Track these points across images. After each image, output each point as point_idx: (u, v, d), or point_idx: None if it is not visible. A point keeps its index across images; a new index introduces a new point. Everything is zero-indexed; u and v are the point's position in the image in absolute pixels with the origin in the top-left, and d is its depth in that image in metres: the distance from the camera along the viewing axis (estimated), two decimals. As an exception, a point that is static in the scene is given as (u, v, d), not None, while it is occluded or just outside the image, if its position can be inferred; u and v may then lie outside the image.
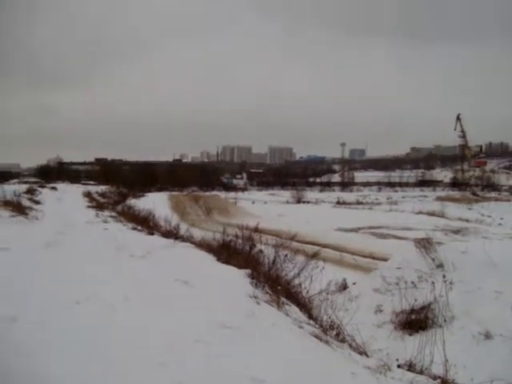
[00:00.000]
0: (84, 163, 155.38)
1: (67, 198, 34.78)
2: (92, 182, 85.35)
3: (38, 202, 26.94)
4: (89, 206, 29.76)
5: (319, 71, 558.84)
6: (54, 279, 7.59)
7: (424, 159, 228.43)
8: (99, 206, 30.81)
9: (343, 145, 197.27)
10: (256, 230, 13.56)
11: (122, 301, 6.20)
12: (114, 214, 25.60)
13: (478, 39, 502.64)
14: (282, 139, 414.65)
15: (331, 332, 6.91)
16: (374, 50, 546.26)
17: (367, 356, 6.19)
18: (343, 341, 6.60)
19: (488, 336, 8.41)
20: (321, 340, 6.03)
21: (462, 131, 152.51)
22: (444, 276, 10.57)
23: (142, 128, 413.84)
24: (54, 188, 48.45)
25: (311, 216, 48.24)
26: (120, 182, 69.77)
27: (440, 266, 11.64)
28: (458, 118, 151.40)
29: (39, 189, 40.94)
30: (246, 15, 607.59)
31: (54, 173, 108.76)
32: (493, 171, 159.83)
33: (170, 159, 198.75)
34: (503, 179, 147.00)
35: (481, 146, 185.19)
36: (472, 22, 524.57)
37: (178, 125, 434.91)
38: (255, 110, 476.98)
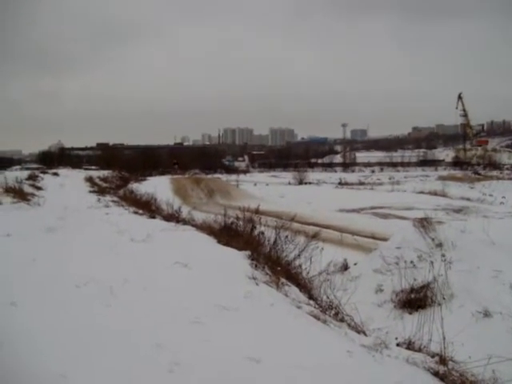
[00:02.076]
0: (85, 148, 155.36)
1: (69, 184, 34.73)
2: (94, 167, 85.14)
3: (39, 188, 26.90)
4: (90, 191, 29.75)
5: (321, 53, 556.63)
6: (54, 264, 7.66)
7: (426, 139, 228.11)
8: (101, 191, 30.79)
9: (344, 125, 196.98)
10: (257, 211, 13.59)
11: (121, 284, 6.26)
12: (115, 198, 25.59)
13: (480, 14, 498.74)
14: (283, 121, 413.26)
15: (330, 312, 6.98)
16: (375, 28, 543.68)
17: (365, 335, 6.25)
18: (342, 320, 6.66)
19: (487, 314, 8.49)
20: (319, 319, 6.09)
21: (464, 110, 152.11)
22: (443, 255, 10.66)
23: (142, 112, 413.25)
24: (55, 174, 48.26)
25: (313, 197, 48.17)
26: (122, 167, 69.58)
27: (439, 245, 11.69)
28: (460, 97, 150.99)
29: (41, 175, 40.78)
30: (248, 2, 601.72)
31: (56, 158, 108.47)
32: (494, 150, 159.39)
33: (172, 143, 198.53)
34: (505, 158, 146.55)
35: (482, 125, 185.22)
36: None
37: (180, 108, 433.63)
38: (257, 92, 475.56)
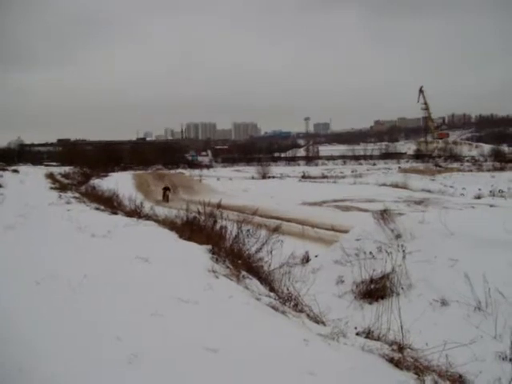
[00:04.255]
0: (46, 144, 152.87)
1: (30, 181, 34.29)
2: (55, 164, 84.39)
3: (-1, 186, 26.58)
4: (52, 188, 29.37)
5: (284, 47, 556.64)
6: (14, 260, 7.62)
7: (388, 132, 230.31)
8: (62, 188, 30.42)
9: (307, 119, 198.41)
10: (219, 206, 13.65)
11: (81, 279, 6.25)
12: (77, 194, 25.36)
13: (439, 11, 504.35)
14: (246, 115, 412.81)
15: (289, 303, 7.06)
16: (341, 22, 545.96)
17: (324, 325, 6.35)
18: (301, 311, 6.75)
19: (444, 303, 8.67)
20: (277, 310, 6.17)
21: (425, 103, 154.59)
22: (402, 246, 10.85)
23: (104, 108, 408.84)
24: (15, 171, 47.57)
25: (276, 191, 48.34)
26: (83, 163, 68.86)
27: (398, 236, 11.88)
28: (421, 91, 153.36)
29: (0, 172, 40.27)
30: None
31: (16, 155, 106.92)
32: (455, 142, 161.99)
33: (134, 138, 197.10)
34: (465, 150, 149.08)
35: (443, 118, 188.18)
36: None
37: (142, 103, 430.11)
38: (219, 86, 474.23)
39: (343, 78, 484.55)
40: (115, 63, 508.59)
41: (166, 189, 45.42)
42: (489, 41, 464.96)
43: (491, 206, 24.27)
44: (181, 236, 10.81)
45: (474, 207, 24.93)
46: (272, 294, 7.57)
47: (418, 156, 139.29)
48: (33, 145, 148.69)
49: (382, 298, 9.41)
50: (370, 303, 9.55)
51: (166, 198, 42.72)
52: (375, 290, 9.95)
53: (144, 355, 4.15)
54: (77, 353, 4.19)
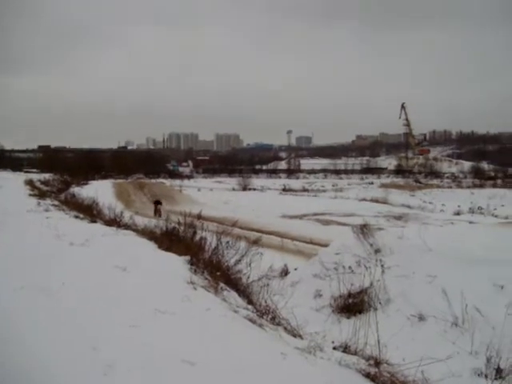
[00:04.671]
0: (26, 151, 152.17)
1: (8, 187, 34.01)
2: (35, 170, 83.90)
3: (-24, 191, 26.36)
4: (31, 195, 29.13)
5: (272, 60, 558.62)
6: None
7: (369, 147, 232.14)
8: (41, 195, 30.20)
9: (289, 132, 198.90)
10: (199, 217, 13.61)
11: (58, 287, 6.20)
12: (56, 202, 25.16)
13: (422, 27, 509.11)
14: (229, 127, 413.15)
15: (267, 316, 7.04)
16: (326, 38, 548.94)
17: (302, 338, 6.34)
18: (278, 324, 6.73)
19: (421, 318, 8.72)
20: (255, 323, 6.15)
21: (407, 119, 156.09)
22: (380, 260, 10.90)
23: (86, 115, 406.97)
24: (-7, 176, 47.39)
25: (257, 203, 48.50)
26: (64, 170, 68.53)
27: (378, 250, 11.93)
28: (403, 107, 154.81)
29: (-22, 177, 40.01)
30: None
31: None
32: (436, 159, 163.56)
33: (115, 146, 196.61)
34: (445, 167, 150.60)
35: (425, 135, 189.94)
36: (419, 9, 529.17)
37: (123, 112, 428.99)
38: (203, 98, 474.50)
39: (327, 93, 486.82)
40: (97, 71, 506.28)
41: (157, 202, 42.84)
42: (465, 60, 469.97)
43: (470, 222, 24.49)
44: (160, 246, 10.75)
45: (453, 223, 25.14)
46: (250, 306, 7.55)
47: (399, 171, 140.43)
48: (13, 151, 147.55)
49: (360, 312, 9.42)
50: (348, 317, 9.55)
51: (158, 213, 39.27)
52: (353, 305, 9.96)
53: (120, 366, 4.12)
54: (52, 362, 4.14)
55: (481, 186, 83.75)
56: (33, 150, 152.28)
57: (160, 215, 35.91)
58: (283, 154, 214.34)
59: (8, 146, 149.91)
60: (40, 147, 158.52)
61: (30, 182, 43.07)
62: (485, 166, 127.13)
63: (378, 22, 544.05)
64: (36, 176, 57.18)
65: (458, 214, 44.64)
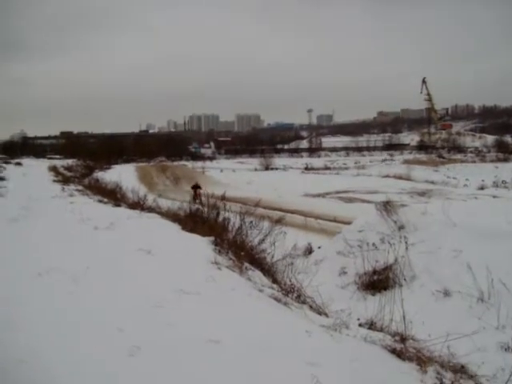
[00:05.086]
0: (49, 137, 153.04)
1: (33, 173, 34.33)
2: (58, 156, 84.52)
3: (2, 179, 26.58)
4: (55, 181, 29.37)
5: (289, 38, 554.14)
6: (17, 253, 7.62)
7: (391, 123, 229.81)
8: (65, 180, 30.44)
9: (310, 111, 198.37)
10: (223, 198, 13.63)
11: (83, 271, 6.25)
12: (80, 187, 25.35)
13: (443, 2, 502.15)
14: (249, 107, 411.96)
15: (292, 295, 7.06)
16: (343, 15, 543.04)
17: (327, 316, 6.36)
18: (303, 302, 6.76)
19: (447, 293, 8.67)
20: (280, 302, 6.18)
21: (428, 94, 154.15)
22: (404, 237, 10.84)
23: (106, 100, 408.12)
24: (18, 163, 47.78)
25: (279, 182, 48.46)
26: (86, 155, 69.00)
27: (401, 227, 11.87)
28: (424, 82, 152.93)
29: (3, 165, 40.33)
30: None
31: (19, 148, 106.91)
32: (458, 133, 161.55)
33: (137, 130, 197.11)
34: (469, 141, 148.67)
35: (447, 109, 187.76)
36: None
37: (144, 95, 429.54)
38: (222, 78, 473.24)
39: (347, 70, 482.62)
40: (115, 55, 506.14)
41: (196, 187, 36.59)
42: (489, 31, 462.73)
43: (494, 196, 24.26)
44: (183, 228, 10.80)
45: (477, 198, 24.93)
46: (275, 285, 7.59)
47: (422, 147, 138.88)
48: (36, 137, 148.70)
49: (385, 289, 9.43)
50: (373, 294, 9.55)
51: (198, 198, 29.20)
52: (378, 281, 9.96)
53: (146, 347, 4.14)
54: (78, 343, 4.19)
55: (505, 160, 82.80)
56: (55, 137, 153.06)
57: (201, 201, 29.71)
58: (304, 133, 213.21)
59: (30, 133, 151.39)
60: (62, 133, 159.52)
61: (53, 168, 43.42)
62: (508, 139, 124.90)
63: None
64: (59, 162, 57.59)
65: (481, 188, 44.24)
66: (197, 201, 30.26)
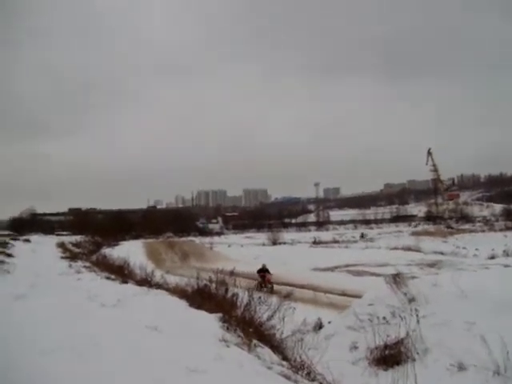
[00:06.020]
0: (57, 214, 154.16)
1: (41, 250, 34.43)
2: (66, 233, 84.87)
3: (10, 255, 26.61)
4: (62, 257, 29.43)
5: (293, 113, 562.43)
6: (21, 331, 7.53)
7: (398, 195, 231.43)
8: (73, 257, 30.50)
9: (317, 185, 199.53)
10: (232, 273, 13.56)
11: (90, 348, 6.17)
12: (87, 263, 25.34)
13: (448, 72, 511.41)
14: (256, 182, 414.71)
15: (302, 371, 6.92)
16: (349, 88, 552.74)
17: (339, 393, 6.21)
18: (314, 379, 6.61)
19: (461, 367, 8.45)
20: (289, 379, 6.04)
21: (434, 165, 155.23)
22: (416, 310, 10.68)
23: (114, 177, 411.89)
24: (27, 240, 47.89)
25: (287, 257, 48.35)
26: (94, 232, 69.32)
27: (412, 300, 11.72)
28: (429, 153, 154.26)
29: (11, 242, 40.44)
30: (223, 65, 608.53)
31: (27, 224, 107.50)
32: (466, 203, 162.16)
33: (145, 206, 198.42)
34: (476, 211, 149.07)
35: (453, 179, 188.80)
36: (442, 57, 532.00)
37: (152, 172, 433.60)
38: (229, 154, 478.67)
39: (353, 143, 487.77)
40: (121, 132, 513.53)
41: (263, 271, 31.37)
42: (487, 102, 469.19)
43: (506, 266, 24.02)
44: (191, 304, 10.70)
45: (488, 268, 24.73)
46: (284, 362, 7.45)
47: (429, 218, 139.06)
48: (44, 214, 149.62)
49: (398, 364, 9.21)
50: (385, 370, 9.33)
51: (269, 284, 28.99)
52: (390, 356, 9.74)
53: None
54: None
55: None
56: (63, 213, 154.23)
57: (272, 288, 27.19)
58: (311, 207, 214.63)
59: (39, 210, 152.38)
60: (70, 210, 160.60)
61: (61, 245, 43.56)
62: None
63: (401, 70, 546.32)
64: (67, 238, 57.79)
65: (492, 257, 43.93)
66: (265, 288, 26.71)
